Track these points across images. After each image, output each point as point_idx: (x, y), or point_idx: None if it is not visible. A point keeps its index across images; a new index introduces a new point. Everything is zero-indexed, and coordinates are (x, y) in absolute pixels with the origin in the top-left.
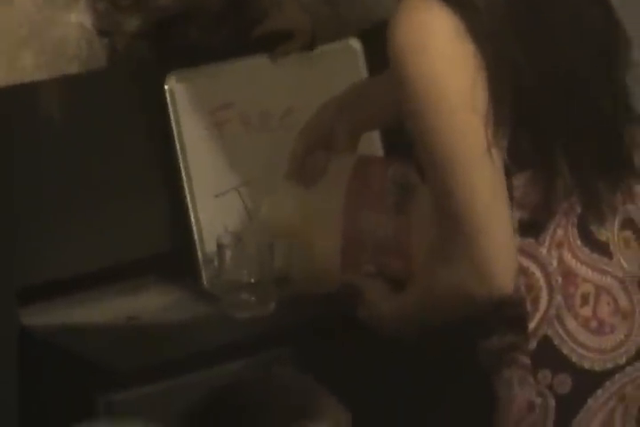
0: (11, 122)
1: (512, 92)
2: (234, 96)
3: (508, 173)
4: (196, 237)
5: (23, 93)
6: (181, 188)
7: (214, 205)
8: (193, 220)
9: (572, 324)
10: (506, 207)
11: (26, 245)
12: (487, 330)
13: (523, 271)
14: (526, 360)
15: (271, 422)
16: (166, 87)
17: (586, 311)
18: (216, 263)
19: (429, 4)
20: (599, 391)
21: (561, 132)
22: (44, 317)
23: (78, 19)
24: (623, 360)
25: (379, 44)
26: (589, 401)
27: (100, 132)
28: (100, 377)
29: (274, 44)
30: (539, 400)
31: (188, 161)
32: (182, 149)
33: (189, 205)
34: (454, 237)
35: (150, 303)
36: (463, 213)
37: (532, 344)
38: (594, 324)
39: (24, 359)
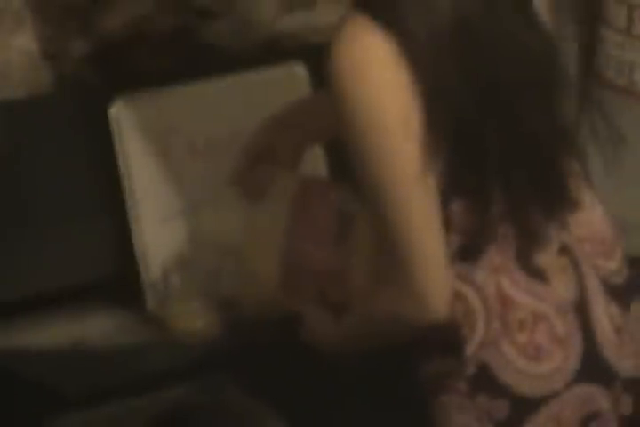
0: None
1: (449, 121)
2: (180, 122)
3: (447, 200)
4: (140, 261)
5: None
6: (126, 212)
7: (160, 229)
8: (138, 244)
9: (509, 349)
10: (440, 232)
11: None
12: (425, 355)
13: (459, 296)
14: (464, 386)
15: None
16: (111, 112)
17: (523, 337)
18: (161, 288)
19: (370, 31)
20: (536, 417)
21: (497, 161)
22: None
23: (24, 43)
24: (560, 385)
25: (322, 68)
26: (526, 425)
27: (45, 156)
28: (45, 401)
29: None
30: (476, 426)
31: (133, 186)
32: (128, 174)
33: (134, 230)
34: (390, 261)
35: (95, 328)
36: (397, 238)
37: (470, 370)
38: (531, 350)
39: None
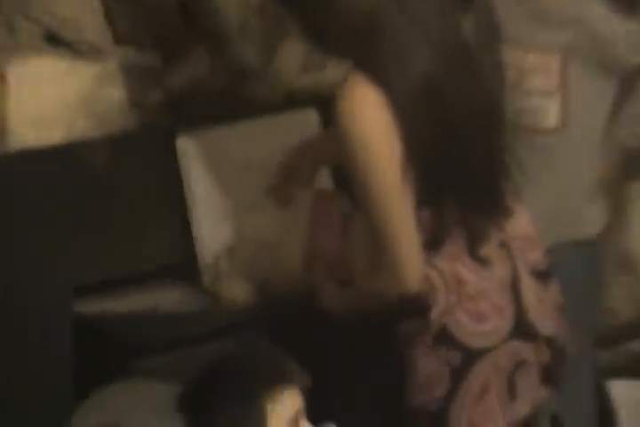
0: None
1: (420, 155)
2: (229, 150)
3: (419, 209)
4: (199, 251)
5: (77, 148)
6: (190, 217)
7: (214, 228)
8: (197, 239)
9: (461, 315)
10: (414, 230)
11: (79, 255)
12: (402, 317)
13: (426, 277)
14: (429, 340)
15: (257, 384)
16: (178, 143)
17: (472, 306)
18: (213, 270)
19: (364, 87)
20: (480, 363)
21: (452, 183)
22: (91, 306)
23: (115, 92)
24: (498, 341)
25: (329, 114)
26: (473, 369)
27: (135, 175)
28: (128, 350)
29: None
30: (437, 370)
31: (194, 197)
32: (190, 188)
33: (195, 229)
34: (379, 250)
35: (166, 298)
36: (385, 233)
37: (434, 329)
38: (477, 315)
39: (76, 336)
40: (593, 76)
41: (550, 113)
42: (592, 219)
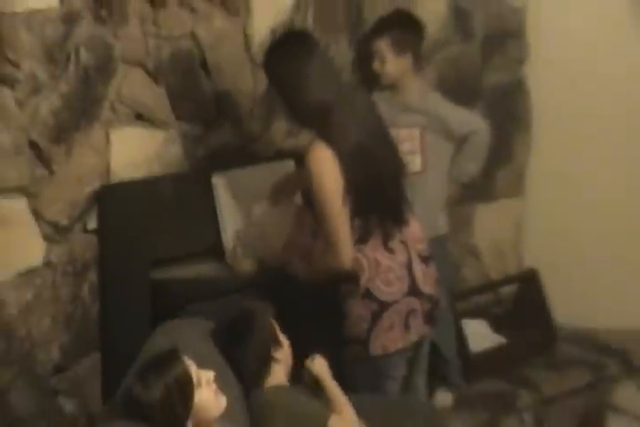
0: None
1: (353, 189)
2: (245, 185)
3: (352, 218)
4: (224, 240)
5: (153, 181)
6: (219, 221)
7: (233, 230)
8: (223, 235)
9: (378, 282)
10: (348, 232)
11: (157, 242)
12: (342, 282)
13: (357, 260)
14: (359, 296)
15: (263, 326)
16: (213, 180)
17: (384, 277)
18: (232, 252)
19: (322, 148)
20: (389, 310)
21: (373, 203)
22: (161, 273)
23: (175, 148)
24: (400, 297)
25: (300, 162)
26: (384, 313)
27: (186, 199)
28: (184, 300)
29: None
30: (363, 313)
31: (222, 210)
32: (220, 207)
33: (222, 229)
34: (327, 242)
35: (205, 269)
36: (331, 234)
37: (362, 289)
38: (387, 282)
39: (153, 295)
40: (439, 141)
41: (416, 163)
42: (443, 224)
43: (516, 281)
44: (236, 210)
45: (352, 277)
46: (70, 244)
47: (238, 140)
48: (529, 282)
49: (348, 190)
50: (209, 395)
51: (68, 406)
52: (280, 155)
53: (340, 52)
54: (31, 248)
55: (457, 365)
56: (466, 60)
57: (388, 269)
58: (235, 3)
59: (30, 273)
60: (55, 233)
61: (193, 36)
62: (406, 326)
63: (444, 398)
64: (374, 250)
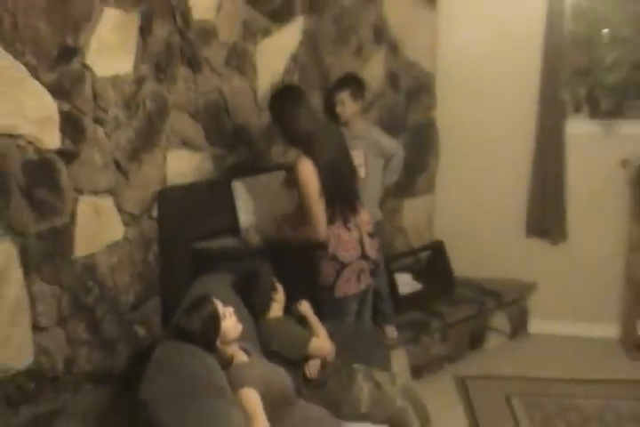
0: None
1: (326, 188)
2: (255, 187)
3: (326, 205)
4: (240, 224)
5: (195, 185)
6: (238, 213)
7: (247, 217)
8: (240, 220)
9: (340, 250)
10: (322, 214)
11: (198, 225)
12: (315, 248)
13: (327, 234)
14: (327, 258)
15: (266, 278)
16: (233, 185)
17: (343, 246)
18: (245, 231)
19: (307, 162)
20: (347, 269)
21: (338, 196)
22: (200, 244)
23: (208, 163)
24: (353, 260)
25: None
26: (344, 271)
27: (215, 197)
28: (214, 261)
29: None
30: (331, 270)
31: (240, 206)
32: (238, 202)
33: (240, 217)
34: (309, 222)
35: (229, 243)
36: (312, 217)
37: (329, 254)
38: (346, 250)
39: (193, 259)
40: (376, 158)
41: (362, 172)
42: (379, 213)
43: (429, 249)
44: (248, 204)
45: (323, 246)
46: (140, 226)
47: (248, 158)
48: (437, 249)
49: (322, 189)
50: (230, 324)
51: (140, 331)
52: (277, 168)
53: (314, 100)
54: (115, 229)
55: (390, 303)
56: (395, 106)
57: (347, 241)
58: (246, 69)
59: (115, 245)
60: (130, 220)
61: (219, 91)
62: (358, 279)
63: (391, 331)
64: (338, 228)
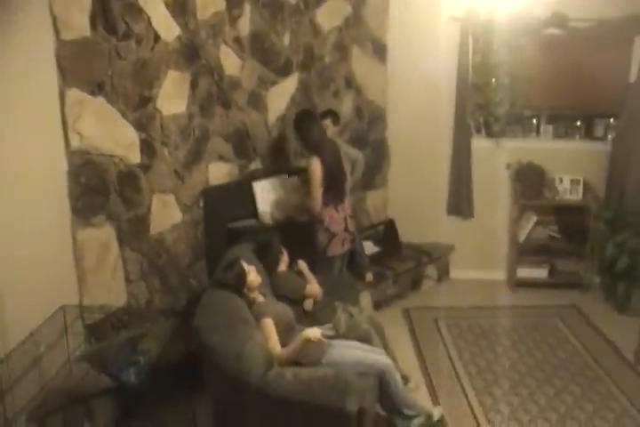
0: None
1: (326, 178)
2: (268, 187)
3: (323, 193)
4: (259, 212)
5: (228, 185)
6: (256, 204)
7: (263, 207)
8: (259, 209)
9: (332, 224)
10: (320, 197)
11: (232, 213)
12: (314, 220)
13: (323, 213)
14: (323, 231)
15: (276, 246)
16: (253, 185)
17: (334, 222)
18: (266, 214)
19: (317, 161)
20: (335, 238)
21: (334, 187)
22: (233, 225)
23: (236, 169)
24: (339, 232)
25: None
26: (334, 239)
27: (239, 193)
28: (241, 236)
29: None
30: (325, 238)
31: (258, 203)
32: (256, 196)
33: (259, 207)
34: (310, 201)
35: (252, 222)
36: (312, 198)
37: (324, 227)
38: (336, 224)
39: (227, 234)
40: (347, 163)
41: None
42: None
43: (384, 224)
44: (263, 198)
45: (320, 221)
46: (192, 213)
47: (263, 166)
48: (389, 224)
49: (322, 181)
50: (253, 277)
51: (193, 283)
52: (281, 173)
53: None
54: (176, 215)
55: (366, 258)
56: (360, 129)
57: (337, 219)
58: (260, 107)
59: (175, 226)
60: (185, 209)
61: (243, 122)
62: (342, 244)
63: (369, 276)
64: (331, 210)
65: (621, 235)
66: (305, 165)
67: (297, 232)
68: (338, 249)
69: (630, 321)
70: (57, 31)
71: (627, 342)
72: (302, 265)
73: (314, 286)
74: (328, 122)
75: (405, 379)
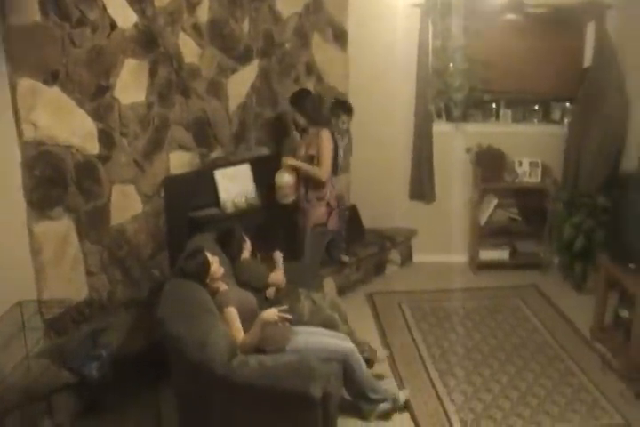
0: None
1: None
2: (229, 175)
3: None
4: (221, 201)
5: (190, 174)
6: (218, 192)
7: (225, 196)
8: (220, 198)
9: (332, 199)
10: (330, 167)
11: (189, 199)
12: (315, 190)
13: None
14: (325, 205)
15: (237, 235)
16: (214, 173)
17: (333, 198)
18: (223, 204)
19: (328, 133)
20: (334, 211)
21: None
22: (193, 214)
23: (197, 160)
24: (336, 206)
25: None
26: (332, 213)
27: (202, 182)
28: (202, 226)
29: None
30: (325, 211)
31: (219, 191)
32: (218, 185)
33: (220, 197)
34: (320, 168)
35: (213, 211)
36: (323, 165)
37: (325, 202)
38: (334, 200)
39: (189, 223)
40: None
41: None
42: None
43: (348, 210)
44: (224, 187)
45: (322, 190)
46: (153, 203)
47: (223, 155)
48: (353, 210)
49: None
50: (216, 267)
51: (156, 273)
52: (243, 161)
53: (267, 113)
54: (137, 205)
55: (342, 241)
56: None
57: (334, 194)
58: (220, 95)
59: (136, 217)
60: (146, 198)
61: (203, 110)
62: (338, 219)
63: (345, 258)
64: (330, 185)
65: (578, 216)
66: (318, 135)
67: (280, 215)
68: (336, 223)
69: (587, 299)
70: (4, 16)
71: (583, 320)
72: (278, 256)
73: (278, 275)
74: (344, 117)
75: (370, 363)
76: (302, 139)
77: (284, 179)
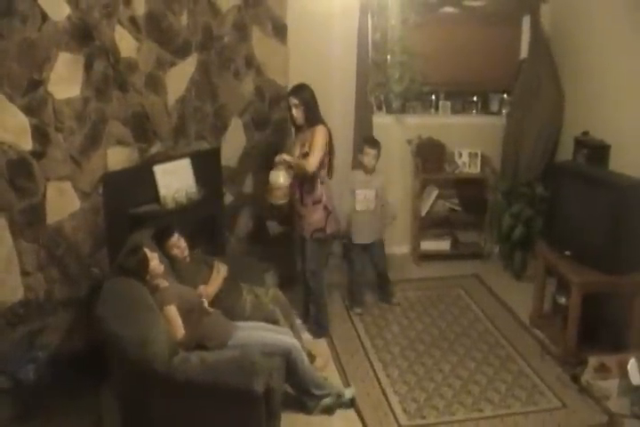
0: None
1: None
2: (170, 170)
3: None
4: (160, 195)
5: (133, 169)
6: (158, 187)
7: (165, 191)
8: (160, 193)
9: (328, 203)
10: (320, 158)
11: (128, 194)
12: (315, 203)
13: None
14: (322, 209)
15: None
16: (154, 168)
17: (329, 201)
18: (163, 198)
19: (324, 127)
20: (331, 214)
21: (330, 158)
22: (132, 210)
23: (133, 158)
24: (333, 209)
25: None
26: (329, 217)
27: (142, 176)
28: (143, 222)
29: None
30: (323, 216)
31: (159, 187)
32: (157, 181)
33: (160, 193)
34: (310, 159)
35: (154, 207)
36: (314, 156)
37: (322, 206)
38: (330, 201)
39: (129, 220)
40: None
41: None
42: None
43: (289, 203)
44: (164, 182)
45: (317, 200)
46: (91, 199)
47: (163, 150)
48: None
49: (326, 148)
50: (155, 264)
51: (95, 271)
52: (182, 156)
53: (206, 108)
54: (74, 202)
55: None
56: (262, 110)
57: (330, 197)
58: (159, 89)
59: (74, 214)
60: (84, 195)
61: (141, 105)
62: (335, 222)
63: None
64: (326, 187)
65: (517, 206)
66: (313, 129)
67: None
68: (334, 226)
69: (526, 287)
70: None
71: (523, 308)
72: (222, 269)
73: (207, 289)
74: (373, 151)
75: (312, 358)
76: (297, 137)
77: (280, 180)
